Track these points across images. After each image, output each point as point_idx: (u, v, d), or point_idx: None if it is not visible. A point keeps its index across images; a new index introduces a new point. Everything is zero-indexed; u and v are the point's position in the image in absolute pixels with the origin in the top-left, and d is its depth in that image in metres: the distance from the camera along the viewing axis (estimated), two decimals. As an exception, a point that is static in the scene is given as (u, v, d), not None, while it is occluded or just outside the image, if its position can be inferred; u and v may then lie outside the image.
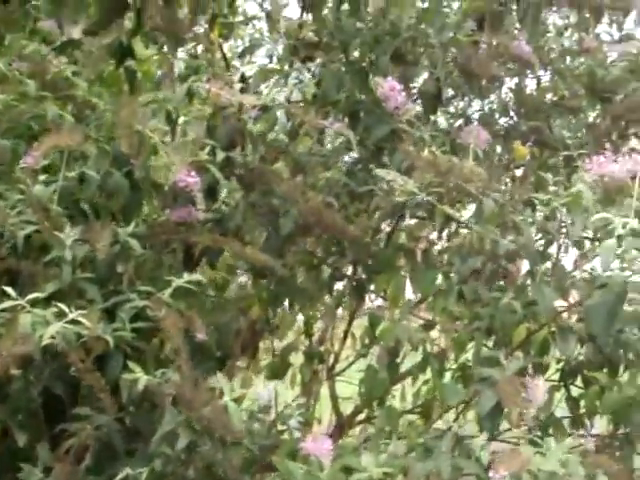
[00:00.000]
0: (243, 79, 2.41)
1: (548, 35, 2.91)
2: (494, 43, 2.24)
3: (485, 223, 1.79)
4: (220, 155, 1.85)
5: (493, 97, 2.76)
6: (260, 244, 2.15)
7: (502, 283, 2.11)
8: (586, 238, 2.39)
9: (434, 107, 2.24)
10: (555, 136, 2.54)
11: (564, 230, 2.07)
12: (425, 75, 2.25)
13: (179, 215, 1.84)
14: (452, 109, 2.71)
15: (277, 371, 2.69)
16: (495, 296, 1.99)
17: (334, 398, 2.73)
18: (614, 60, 2.67)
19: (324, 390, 2.75)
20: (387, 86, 1.81)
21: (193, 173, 1.72)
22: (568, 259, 2.39)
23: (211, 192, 1.96)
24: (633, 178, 1.81)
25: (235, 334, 2.64)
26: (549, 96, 2.67)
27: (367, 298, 2.65)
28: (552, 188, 1.87)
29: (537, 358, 1.93)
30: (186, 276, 1.75)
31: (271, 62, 2.54)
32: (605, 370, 2.11)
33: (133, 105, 1.70)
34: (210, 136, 1.95)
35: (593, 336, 1.84)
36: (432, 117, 1.95)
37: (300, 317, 2.71)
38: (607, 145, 2.54)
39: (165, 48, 2.40)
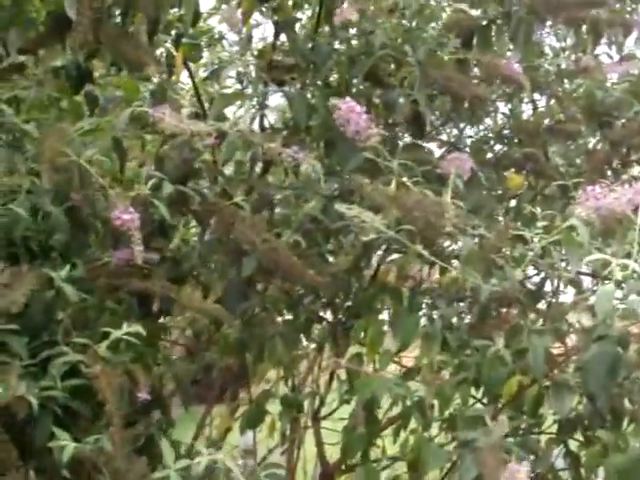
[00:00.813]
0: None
1: (545, 57, 2.72)
2: (482, 62, 2.04)
3: (464, 264, 1.57)
4: (168, 188, 1.64)
5: (487, 123, 2.58)
6: (223, 285, 1.94)
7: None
8: (584, 274, 2.18)
9: (419, 133, 2.04)
10: (551, 164, 2.34)
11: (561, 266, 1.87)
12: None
13: (121, 257, 1.62)
14: (445, 137, 2.53)
15: (253, 420, 2.49)
16: (483, 344, 1.77)
17: (319, 444, 2.54)
18: (615, 82, 2.48)
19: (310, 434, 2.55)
20: (345, 107, 1.55)
21: (131, 209, 1.51)
22: (567, 296, 2.18)
23: (162, 230, 1.75)
24: (635, 209, 1.60)
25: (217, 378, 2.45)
26: (546, 121, 2.47)
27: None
28: (541, 223, 1.64)
29: (529, 417, 1.71)
30: (125, 327, 1.53)
31: (244, 86, 2.36)
32: (607, 424, 1.89)
33: (62, 133, 1.49)
34: (159, 167, 1.74)
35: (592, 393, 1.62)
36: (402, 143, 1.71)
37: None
38: (608, 173, 2.34)
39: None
